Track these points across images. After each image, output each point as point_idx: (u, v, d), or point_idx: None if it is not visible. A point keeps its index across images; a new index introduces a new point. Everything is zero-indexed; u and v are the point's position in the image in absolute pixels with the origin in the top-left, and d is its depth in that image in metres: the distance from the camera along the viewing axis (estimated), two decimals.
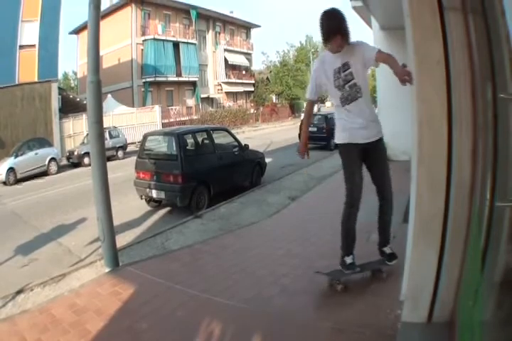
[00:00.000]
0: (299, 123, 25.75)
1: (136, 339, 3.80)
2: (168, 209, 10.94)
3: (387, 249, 4.61)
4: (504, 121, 2.15)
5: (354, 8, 13.10)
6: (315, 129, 22.27)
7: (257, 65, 65.53)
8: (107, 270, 5.70)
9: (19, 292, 5.53)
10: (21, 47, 25.31)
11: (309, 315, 4.06)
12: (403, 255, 3.39)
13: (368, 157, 4.36)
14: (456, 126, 2.72)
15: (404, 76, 3.18)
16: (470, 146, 2.67)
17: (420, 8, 2.77)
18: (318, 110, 49.25)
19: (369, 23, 14.42)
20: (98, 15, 5.63)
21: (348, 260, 4.43)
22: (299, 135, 23.57)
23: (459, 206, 2.72)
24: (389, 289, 4.06)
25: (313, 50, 70.79)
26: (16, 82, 24.62)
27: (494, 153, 2.25)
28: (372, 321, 3.67)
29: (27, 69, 25.06)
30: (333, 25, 3.95)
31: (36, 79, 25.37)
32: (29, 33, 25.42)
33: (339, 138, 4.36)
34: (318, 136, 21.97)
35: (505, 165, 2.14)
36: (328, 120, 22.12)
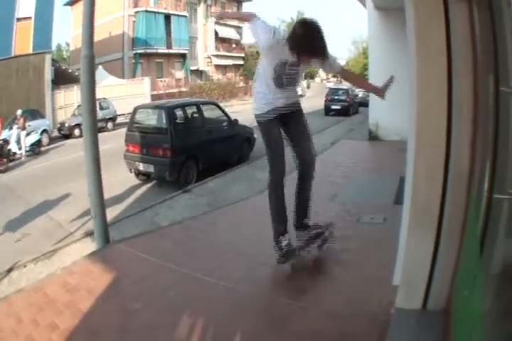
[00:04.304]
0: None
1: (130, 319, 3.80)
2: (156, 182, 10.92)
3: (307, 221, 4.64)
4: (505, 115, 2.13)
5: None
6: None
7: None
8: (98, 247, 5.67)
9: (12, 269, 5.55)
10: (18, 19, 24.80)
11: (300, 298, 4.00)
12: (395, 238, 3.37)
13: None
14: (456, 116, 2.69)
15: None
16: (470, 137, 2.64)
17: None
18: (308, 86, 48.94)
19: (363, 2, 14.07)
20: None
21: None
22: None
23: (457, 196, 2.70)
24: (381, 275, 4.00)
25: None
26: (12, 55, 24.23)
27: (494, 145, 2.23)
28: (365, 307, 3.68)
29: (23, 41, 24.65)
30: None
31: (31, 51, 24.95)
32: (26, 5, 24.85)
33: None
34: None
35: (505, 158, 2.12)
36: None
